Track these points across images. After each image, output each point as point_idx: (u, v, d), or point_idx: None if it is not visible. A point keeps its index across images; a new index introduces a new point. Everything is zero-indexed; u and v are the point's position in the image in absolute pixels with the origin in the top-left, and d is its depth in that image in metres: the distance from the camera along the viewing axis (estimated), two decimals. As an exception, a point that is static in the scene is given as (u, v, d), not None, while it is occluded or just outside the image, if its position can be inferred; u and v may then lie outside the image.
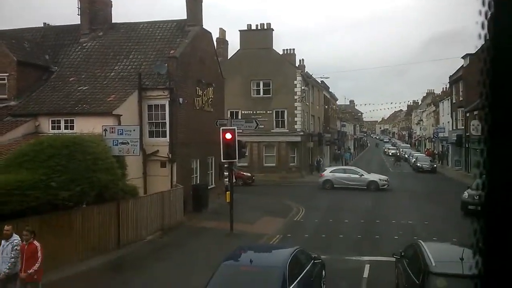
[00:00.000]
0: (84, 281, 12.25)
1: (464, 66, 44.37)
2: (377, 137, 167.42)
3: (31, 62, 22.66)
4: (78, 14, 25.38)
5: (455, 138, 44.74)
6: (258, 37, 41.11)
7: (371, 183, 32.70)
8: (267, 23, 41.76)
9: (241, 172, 35.66)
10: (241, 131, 19.76)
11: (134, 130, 16.88)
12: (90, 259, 13.89)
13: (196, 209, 22.09)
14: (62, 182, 12.73)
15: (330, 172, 34.62)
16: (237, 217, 18.32)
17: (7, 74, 21.65)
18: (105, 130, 16.57)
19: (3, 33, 23.83)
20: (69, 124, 19.91)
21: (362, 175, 33.58)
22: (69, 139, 14.15)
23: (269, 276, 8.82)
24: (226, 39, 43.65)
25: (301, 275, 9.44)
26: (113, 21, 26.01)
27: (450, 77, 51.71)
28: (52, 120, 20.23)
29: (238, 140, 17.44)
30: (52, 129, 19.85)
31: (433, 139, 67.58)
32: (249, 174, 36.01)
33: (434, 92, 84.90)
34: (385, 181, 33.30)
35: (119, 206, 15.56)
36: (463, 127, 43.63)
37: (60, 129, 19.72)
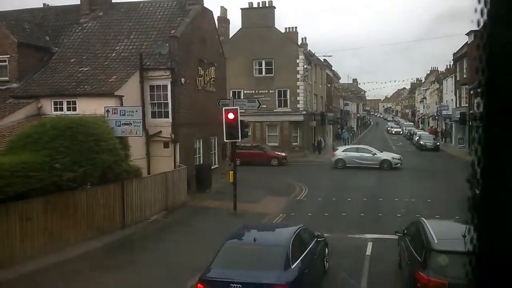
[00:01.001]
0: (90, 261, 12.38)
1: (468, 42, 43.83)
2: (381, 116, 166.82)
3: (32, 43, 22.52)
4: (78, -6, 25.16)
5: (459, 116, 44.46)
6: (259, 15, 40.64)
7: (384, 162, 32.78)
8: (268, 1, 41.22)
9: (276, 152, 35.72)
10: (243, 111, 19.74)
11: (136, 111, 16.86)
12: (95, 239, 14.03)
13: (200, 189, 22.20)
14: (65, 164, 12.80)
15: (342, 151, 34.67)
16: (241, 197, 18.41)
17: (8, 56, 21.56)
18: (108, 111, 16.57)
19: (2, 14, 23.63)
20: (71, 106, 19.90)
21: (375, 154, 33.64)
22: (71, 121, 14.16)
23: (272, 254, 8.91)
24: (228, 17, 43.16)
25: (304, 253, 9.54)
26: (113, 1, 25.75)
27: (454, 54, 51.17)
28: (54, 102, 20.21)
29: (240, 120, 17.43)
30: (54, 111, 19.85)
31: (436, 117, 67.30)
32: (284, 154, 35.91)
33: (438, 69, 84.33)
34: (398, 159, 33.38)
35: (123, 187, 15.65)
36: (466, 105, 43.36)
37: (62, 111, 19.73)
